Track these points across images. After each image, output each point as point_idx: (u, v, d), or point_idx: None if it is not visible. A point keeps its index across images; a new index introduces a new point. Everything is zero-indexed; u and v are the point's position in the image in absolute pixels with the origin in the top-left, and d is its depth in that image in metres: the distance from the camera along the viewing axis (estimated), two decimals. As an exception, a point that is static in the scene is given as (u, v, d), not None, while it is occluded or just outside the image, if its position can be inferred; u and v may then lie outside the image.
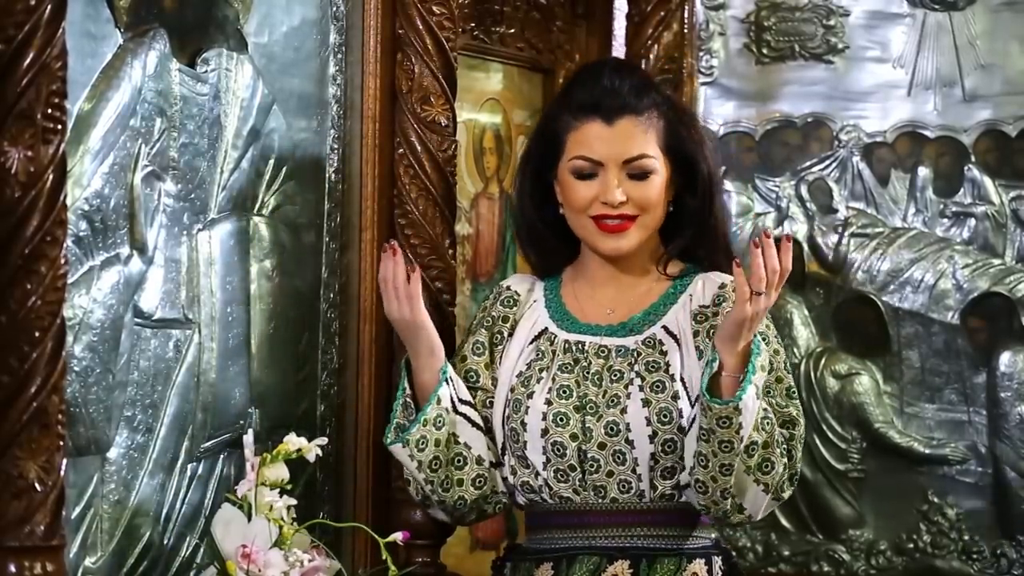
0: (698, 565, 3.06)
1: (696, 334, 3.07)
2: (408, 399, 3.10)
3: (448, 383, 3.10)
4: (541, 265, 3.26)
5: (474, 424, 3.13)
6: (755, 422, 2.90)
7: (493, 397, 3.16)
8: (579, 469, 3.05)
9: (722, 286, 3.10)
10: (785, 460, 2.98)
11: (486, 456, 3.13)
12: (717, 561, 3.09)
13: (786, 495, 3.03)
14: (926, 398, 4.45)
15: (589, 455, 3.03)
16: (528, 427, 3.07)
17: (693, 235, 3.14)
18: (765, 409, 2.95)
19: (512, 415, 3.10)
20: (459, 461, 3.11)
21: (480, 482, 3.13)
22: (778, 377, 3.04)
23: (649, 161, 3.08)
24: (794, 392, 3.05)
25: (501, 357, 3.17)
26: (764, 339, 2.98)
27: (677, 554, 3.06)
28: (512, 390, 3.12)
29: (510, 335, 3.18)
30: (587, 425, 3.03)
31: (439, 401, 3.08)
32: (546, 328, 3.15)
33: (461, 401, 3.12)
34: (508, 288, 3.25)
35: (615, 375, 3.06)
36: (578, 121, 3.10)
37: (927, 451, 4.43)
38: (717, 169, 3.31)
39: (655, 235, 3.15)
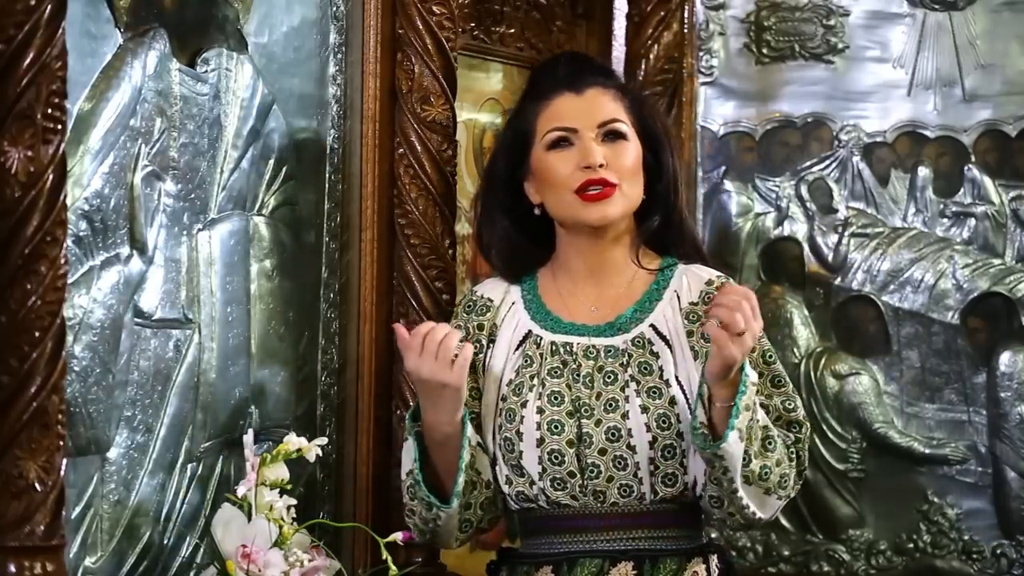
0: (697, 563, 3.05)
1: (690, 334, 3.03)
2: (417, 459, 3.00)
3: (471, 420, 3.03)
4: (511, 271, 3.18)
5: (484, 450, 3.06)
6: (756, 450, 2.90)
7: (477, 411, 3.08)
8: (579, 475, 3.01)
9: (709, 282, 3.08)
10: (794, 464, 2.99)
11: (490, 479, 3.07)
12: (714, 559, 3.08)
13: (795, 493, 3.03)
14: (926, 398, 4.44)
15: (589, 460, 2.99)
16: (523, 437, 3.01)
17: (661, 223, 3.11)
18: (766, 427, 2.94)
19: (505, 425, 3.04)
20: (474, 488, 3.04)
21: (486, 504, 3.07)
22: (776, 378, 3.04)
23: (622, 125, 3.06)
24: (794, 391, 3.05)
25: (484, 367, 3.10)
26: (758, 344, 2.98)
27: (678, 554, 3.05)
28: (504, 399, 3.06)
29: (491, 342, 3.11)
30: (584, 430, 2.99)
31: (469, 442, 3.00)
32: (530, 331, 3.09)
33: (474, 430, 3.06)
34: (478, 295, 3.17)
35: (608, 377, 3.02)
36: (546, 100, 3.09)
37: (927, 451, 4.42)
38: (682, 162, 3.29)
39: (632, 226, 3.12)
